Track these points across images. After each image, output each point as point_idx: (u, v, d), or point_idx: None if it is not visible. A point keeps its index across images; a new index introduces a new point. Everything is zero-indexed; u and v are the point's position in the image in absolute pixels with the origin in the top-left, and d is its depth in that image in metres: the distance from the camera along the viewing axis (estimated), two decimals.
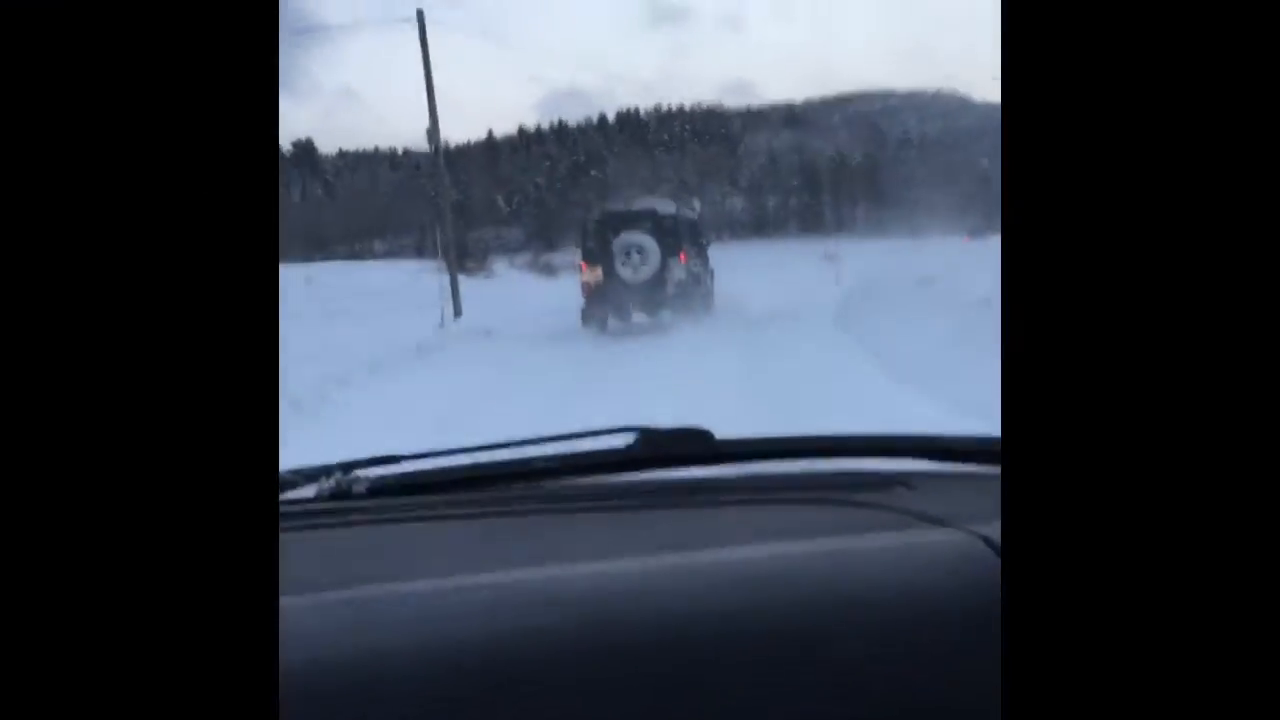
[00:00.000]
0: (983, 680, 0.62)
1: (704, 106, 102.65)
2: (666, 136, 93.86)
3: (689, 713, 0.62)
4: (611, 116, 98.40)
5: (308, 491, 1.10)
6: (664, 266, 13.08)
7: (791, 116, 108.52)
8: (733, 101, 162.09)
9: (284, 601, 0.65)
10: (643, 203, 14.55)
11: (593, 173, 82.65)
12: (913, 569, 0.72)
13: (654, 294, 13.10)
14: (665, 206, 14.24)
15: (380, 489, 1.10)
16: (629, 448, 1.11)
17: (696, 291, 13.54)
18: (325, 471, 1.12)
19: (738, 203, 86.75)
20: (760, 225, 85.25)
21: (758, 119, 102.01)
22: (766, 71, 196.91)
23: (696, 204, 17.26)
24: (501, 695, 0.62)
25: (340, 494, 1.09)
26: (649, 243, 13.09)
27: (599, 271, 13.22)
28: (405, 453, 1.16)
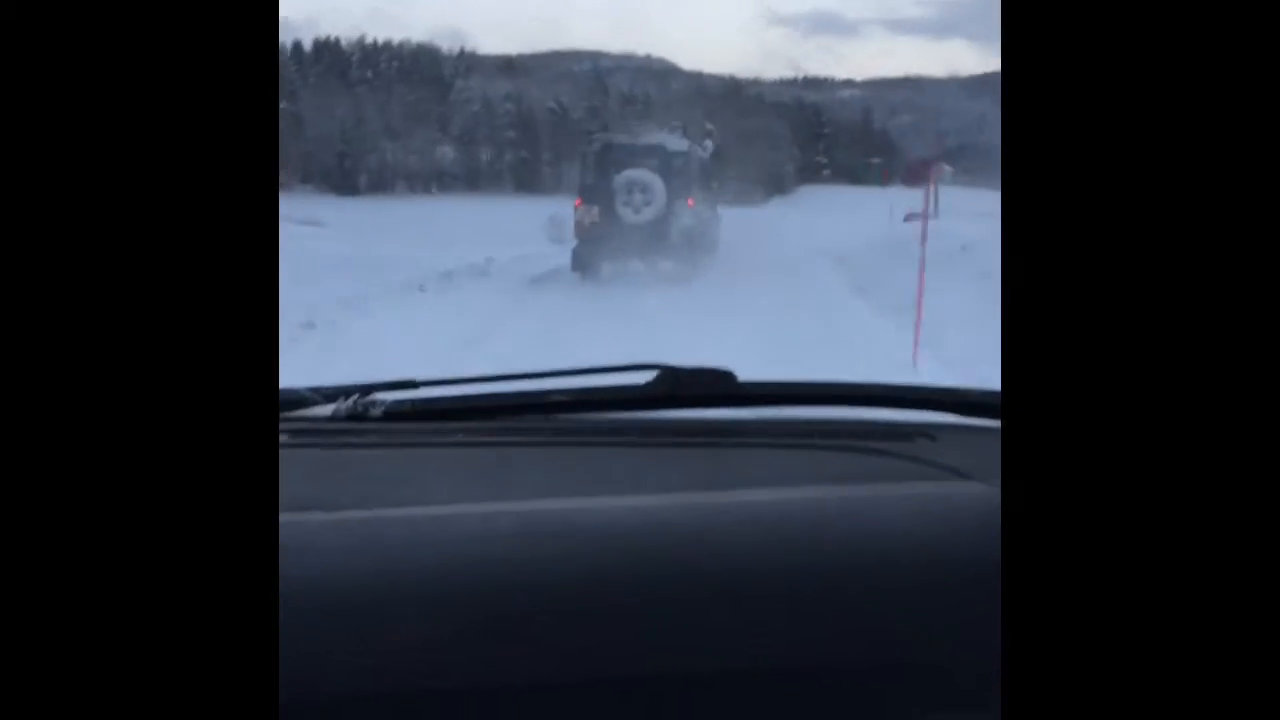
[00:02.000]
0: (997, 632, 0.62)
1: (414, 44, 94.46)
2: (370, 74, 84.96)
3: (695, 649, 0.62)
4: (309, 45, 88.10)
5: (325, 410, 1.11)
6: (669, 210, 12.15)
7: (508, 66, 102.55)
8: (446, 46, 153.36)
9: (294, 517, 0.67)
10: (650, 136, 13.67)
11: (283, 105, 72.66)
12: (932, 520, 0.72)
13: (655, 240, 12.09)
14: (675, 143, 13.23)
15: (397, 413, 1.09)
16: (649, 385, 1.10)
17: (702, 242, 12.53)
18: (344, 392, 1.12)
19: (447, 151, 79.44)
20: (473, 178, 78.62)
21: (471, 65, 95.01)
22: (480, 19, 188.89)
23: (709, 143, 15.66)
24: (507, 624, 0.62)
25: (357, 415, 1.09)
26: (654, 182, 12.18)
27: (595, 211, 12.30)
28: (424, 378, 1.16)
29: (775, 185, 77.00)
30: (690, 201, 12.54)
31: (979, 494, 0.76)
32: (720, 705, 0.61)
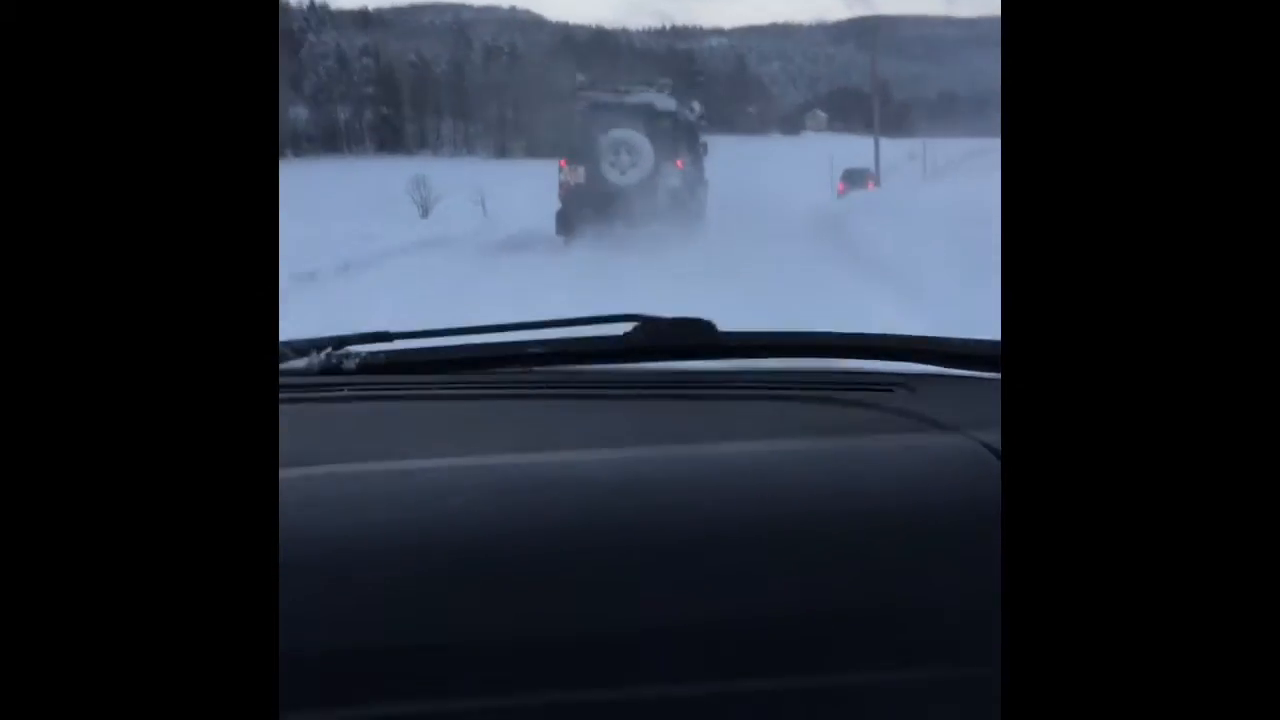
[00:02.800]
0: (979, 584, 0.62)
1: None
2: None
3: (673, 602, 0.63)
4: None
5: (298, 364, 1.09)
6: (656, 171, 11.90)
7: (364, 19, 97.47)
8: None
9: None
10: (637, 95, 12.84)
11: None
12: (912, 471, 0.73)
13: (642, 202, 11.58)
14: (664, 102, 12.62)
15: (371, 366, 1.08)
16: (627, 336, 1.08)
17: (691, 205, 12.08)
18: (316, 345, 1.10)
19: (301, 112, 74.56)
20: (331, 139, 74.05)
21: (324, 19, 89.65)
22: None
23: (696, 105, 14.83)
24: (483, 577, 0.62)
25: (330, 369, 1.07)
26: (642, 142, 11.91)
27: (580, 171, 11.98)
28: (397, 331, 1.15)
29: None
30: (680, 163, 12.19)
31: (957, 445, 0.76)
32: (702, 657, 0.63)
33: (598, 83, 13.76)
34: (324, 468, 0.72)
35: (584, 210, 11.74)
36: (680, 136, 12.52)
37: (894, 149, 35.21)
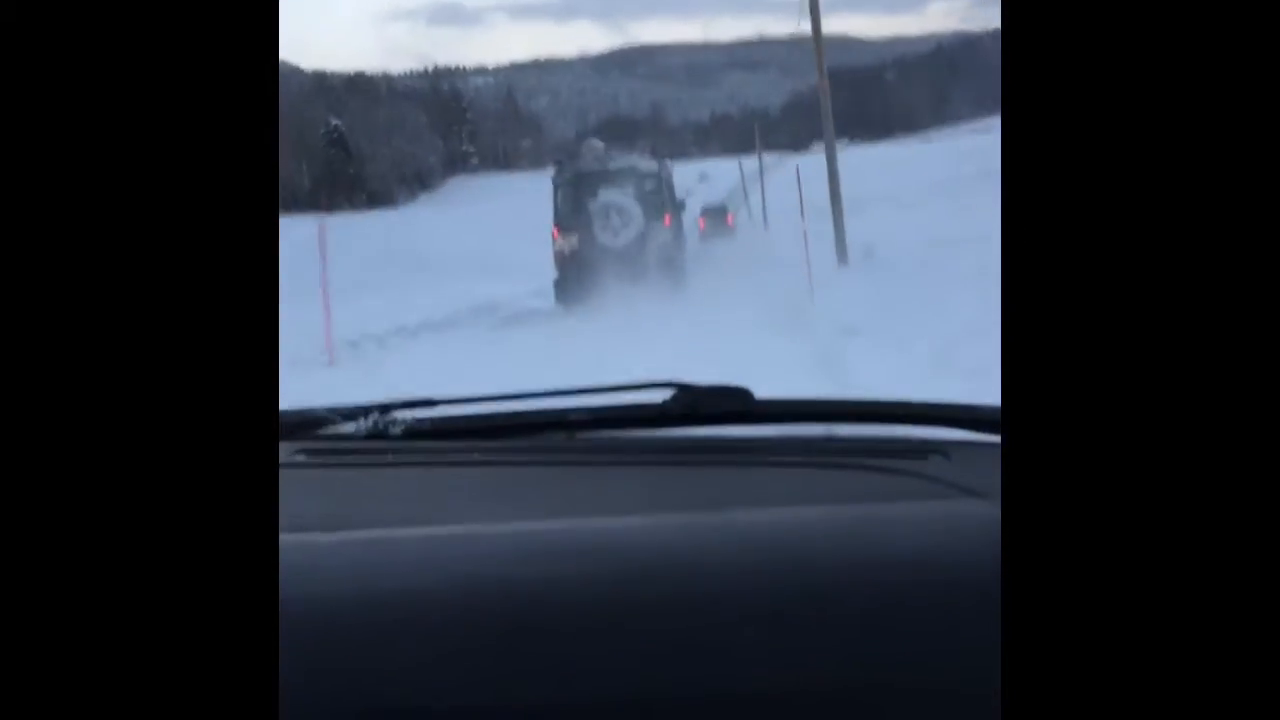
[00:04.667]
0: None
1: None
2: None
3: (710, 669, 0.63)
4: None
5: (345, 429, 1.12)
6: (647, 231, 12.53)
7: None
8: None
9: (314, 536, 0.69)
10: (620, 160, 13.54)
11: None
12: (943, 539, 0.73)
13: (635, 261, 12.22)
14: (646, 164, 13.41)
15: (416, 431, 1.10)
16: (666, 403, 1.10)
17: (678, 258, 12.92)
18: (363, 411, 1.13)
19: None
20: None
21: None
22: None
23: (667, 162, 14.99)
24: (523, 643, 0.63)
25: (377, 434, 1.10)
26: (631, 205, 12.54)
27: (575, 238, 12.50)
28: (442, 397, 1.18)
29: (419, 182, 70.55)
30: (667, 219, 12.83)
31: (991, 513, 0.75)
32: None
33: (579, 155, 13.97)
34: (369, 532, 0.73)
35: (582, 276, 12.10)
36: (664, 195, 13.08)
37: (683, 172, 33.68)
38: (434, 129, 75.26)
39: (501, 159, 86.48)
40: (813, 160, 19.34)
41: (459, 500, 0.89)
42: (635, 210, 12.46)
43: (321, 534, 0.71)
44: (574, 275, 12.32)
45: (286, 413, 1.11)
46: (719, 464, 0.99)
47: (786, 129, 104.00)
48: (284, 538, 0.63)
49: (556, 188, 13.18)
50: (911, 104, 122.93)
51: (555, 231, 12.85)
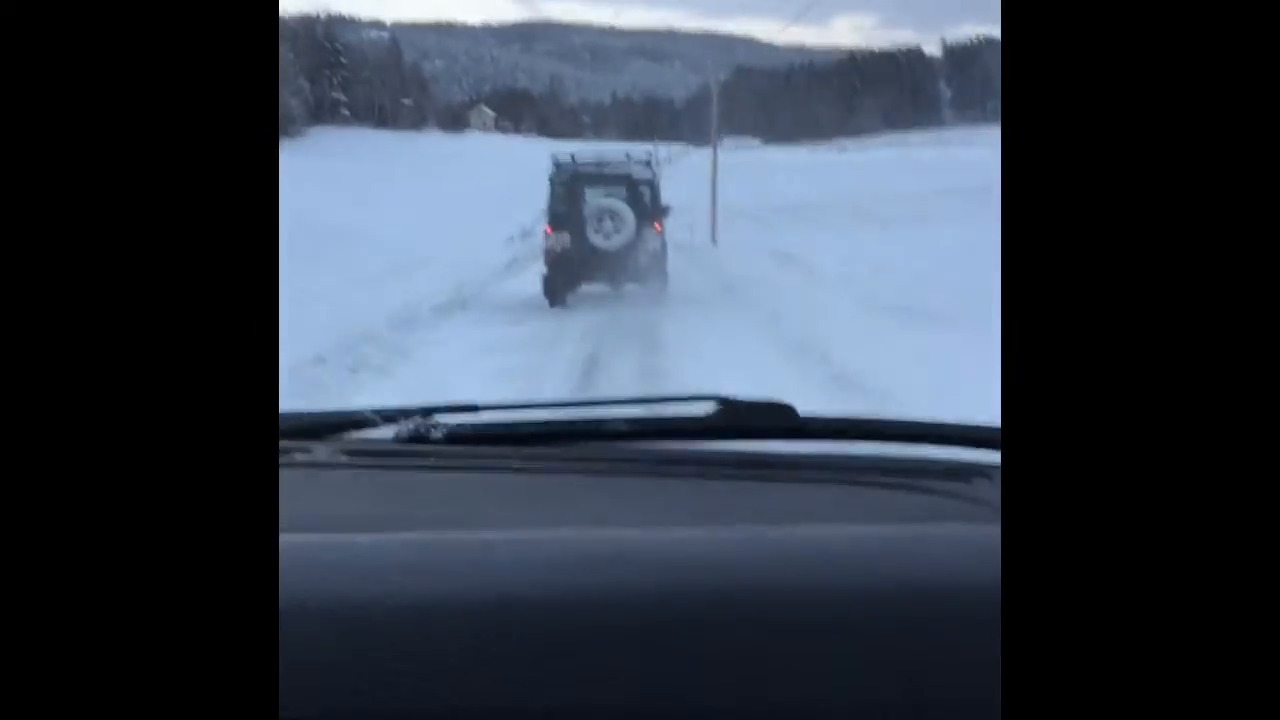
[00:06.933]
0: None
1: None
2: None
3: (744, 682, 0.63)
4: None
5: (386, 432, 1.12)
6: (638, 235, 12.96)
7: None
8: None
9: (352, 538, 0.69)
10: (615, 164, 14.16)
11: None
12: (983, 561, 0.72)
13: (625, 264, 12.85)
14: (639, 170, 13.97)
15: (458, 436, 1.11)
16: (709, 416, 1.11)
17: (663, 261, 13.48)
18: (404, 414, 1.14)
19: None
20: None
21: None
22: None
23: (652, 166, 15.23)
24: (554, 650, 0.63)
25: (418, 438, 1.10)
26: (624, 209, 12.98)
27: (566, 237, 12.81)
28: (485, 403, 1.19)
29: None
30: (658, 226, 13.29)
31: None
32: None
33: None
34: (408, 535, 0.73)
35: (572, 275, 12.64)
36: (655, 200, 13.55)
37: (577, 151, 28.85)
38: (301, 69, 67.33)
39: (377, 114, 79.10)
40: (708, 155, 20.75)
41: (498, 506, 0.90)
42: (629, 215, 12.86)
43: (360, 535, 0.71)
44: (563, 273, 12.75)
45: (328, 413, 1.16)
46: (760, 479, 0.99)
47: (687, 122, 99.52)
48: (321, 537, 0.65)
49: (552, 186, 13.66)
50: (822, 112, 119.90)
51: (548, 229, 13.44)
